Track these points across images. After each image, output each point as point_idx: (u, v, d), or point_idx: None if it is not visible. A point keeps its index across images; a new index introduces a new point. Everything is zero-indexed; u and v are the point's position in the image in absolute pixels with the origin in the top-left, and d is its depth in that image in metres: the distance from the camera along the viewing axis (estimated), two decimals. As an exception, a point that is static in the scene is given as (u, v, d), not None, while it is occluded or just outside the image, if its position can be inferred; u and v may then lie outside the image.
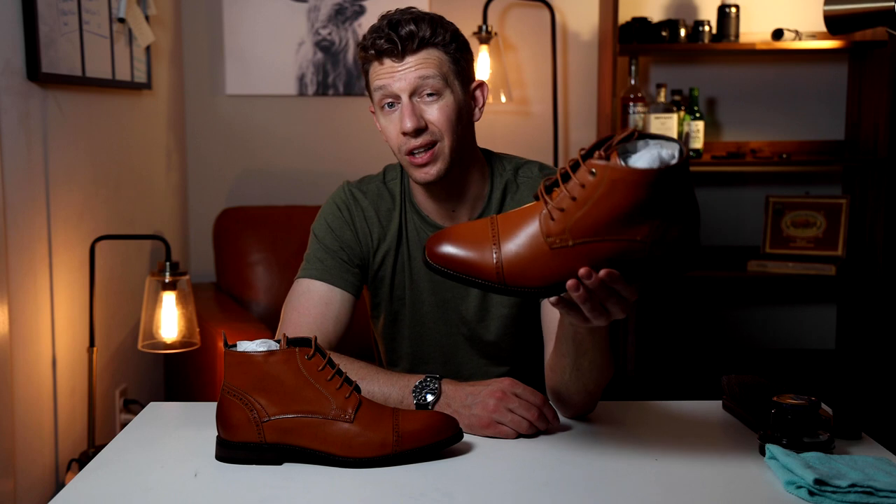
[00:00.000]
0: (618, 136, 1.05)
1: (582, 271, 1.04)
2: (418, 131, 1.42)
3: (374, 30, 1.43)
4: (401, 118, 1.43)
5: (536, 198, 1.09)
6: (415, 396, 1.33)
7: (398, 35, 1.40)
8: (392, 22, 1.42)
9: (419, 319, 1.58)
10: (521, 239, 1.07)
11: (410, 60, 1.41)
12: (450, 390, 1.33)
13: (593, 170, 1.02)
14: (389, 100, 1.44)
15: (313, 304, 1.50)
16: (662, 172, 1.00)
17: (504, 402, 1.29)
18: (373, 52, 1.43)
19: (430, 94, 1.42)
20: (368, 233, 1.55)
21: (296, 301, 1.52)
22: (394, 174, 1.60)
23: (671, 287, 3.38)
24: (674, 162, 1.02)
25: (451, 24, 1.47)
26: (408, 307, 1.58)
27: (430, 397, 1.32)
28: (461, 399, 1.31)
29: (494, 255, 1.08)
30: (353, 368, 1.38)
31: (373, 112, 1.51)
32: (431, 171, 1.44)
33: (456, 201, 1.53)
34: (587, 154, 1.05)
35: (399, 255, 1.56)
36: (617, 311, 1.10)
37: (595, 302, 1.08)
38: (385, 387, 1.36)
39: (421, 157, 1.43)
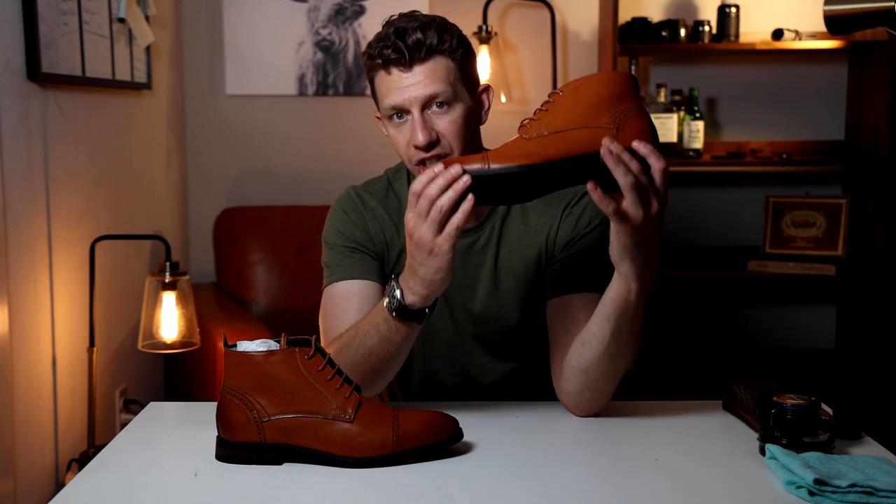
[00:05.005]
0: None
1: (605, 140, 1.17)
2: (431, 145, 1.42)
3: (381, 38, 1.42)
4: (412, 131, 1.42)
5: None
6: (388, 304, 1.30)
7: (405, 44, 1.39)
8: (398, 30, 1.40)
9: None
10: (504, 146, 1.22)
11: (418, 70, 1.40)
12: (405, 271, 1.30)
13: (560, 90, 1.23)
14: (398, 111, 1.43)
15: (349, 302, 1.49)
16: (620, 75, 1.22)
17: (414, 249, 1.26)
18: (380, 61, 1.41)
19: (440, 105, 1.42)
20: (380, 230, 1.55)
21: (330, 308, 1.51)
22: (399, 176, 1.60)
23: (672, 287, 3.38)
24: (628, 72, 1.26)
25: (455, 27, 1.46)
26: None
27: (397, 293, 1.29)
28: (409, 265, 1.28)
29: (482, 165, 1.21)
30: (355, 326, 1.38)
31: (378, 118, 1.50)
32: None
33: None
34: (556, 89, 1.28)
35: None
36: (651, 193, 1.17)
37: (632, 179, 1.16)
38: (371, 320, 1.35)
39: None
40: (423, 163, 1.43)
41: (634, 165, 1.16)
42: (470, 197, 1.20)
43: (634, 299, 1.27)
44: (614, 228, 1.21)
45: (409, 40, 1.39)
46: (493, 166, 1.19)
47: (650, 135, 1.20)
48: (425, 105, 1.41)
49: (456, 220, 1.21)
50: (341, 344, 1.37)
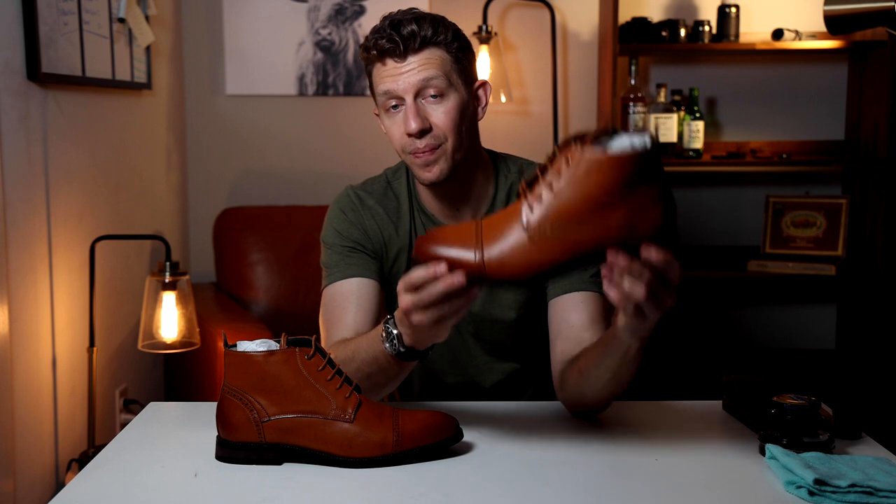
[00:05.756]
0: (593, 131, 1.09)
1: (609, 255, 1.07)
2: (423, 132, 1.42)
3: (376, 30, 1.43)
4: (405, 119, 1.42)
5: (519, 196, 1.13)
6: (389, 347, 1.27)
7: (400, 35, 1.40)
8: (394, 22, 1.42)
9: None
10: (503, 235, 1.10)
11: (413, 60, 1.41)
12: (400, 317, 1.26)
13: (568, 159, 1.07)
14: (394, 101, 1.44)
15: (348, 302, 1.49)
16: (634, 156, 1.05)
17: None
18: (375, 52, 1.43)
19: (433, 95, 1.42)
20: (378, 229, 1.55)
21: (330, 308, 1.51)
22: (398, 175, 1.60)
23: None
24: (646, 147, 1.06)
25: (453, 23, 1.47)
26: None
27: (395, 333, 1.26)
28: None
29: (476, 255, 1.10)
30: (352, 345, 1.36)
31: (377, 115, 1.50)
32: (434, 170, 1.44)
33: (460, 201, 1.53)
34: (563, 146, 1.09)
35: (411, 253, 1.55)
36: (665, 295, 1.09)
37: (644, 292, 1.07)
38: (369, 347, 1.32)
39: (424, 156, 1.43)
40: (419, 155, 1.43)
41: (646, 277, 1.06)
42: (469, 302, 1.15)
43: (633, 353, 1.24)
44: (624, 321, 1.15)
45: (404, 31, 1.40)
46: (491, 264, 1.09)
47: (666, 229, 1.08)
48: (419, 93, 1.42)
49: (458, 317, 1.16)
50: (339, 360, 1.35)
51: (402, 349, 1.25)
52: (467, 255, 1.10)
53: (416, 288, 1.13)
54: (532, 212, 1.09)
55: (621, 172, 1.05)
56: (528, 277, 1.10)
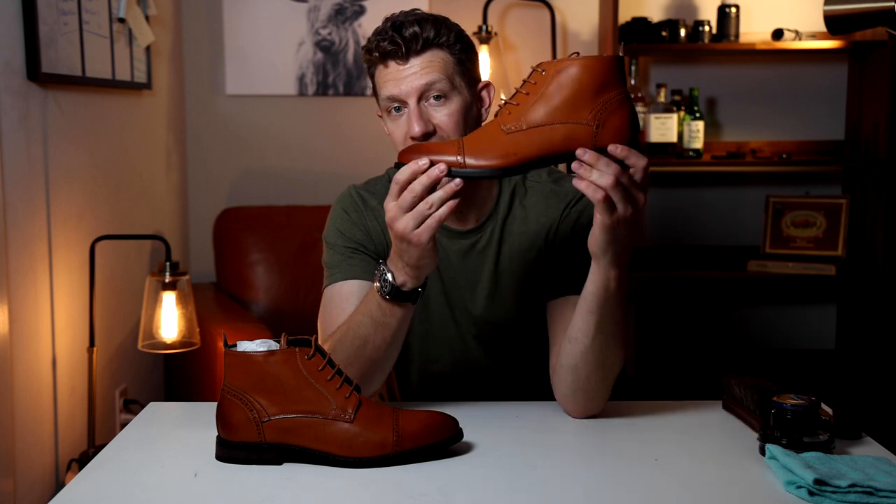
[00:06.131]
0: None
1: (579, 151, 1.19)
2: (426, 135, 1.41)
3: (378, 32, 1.43)
4: (408, 122, 1.42)
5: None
6: (380, 288, 1.32)
7: (402, 37, 1.40)
8: (396, 24, 1.41)
9: (427, 318, 1.57)
10: (482, 138, 1.23)
11: (415, 62, 1.41)
12: (391, 255, 1.32)
13: (543, 69, 1.21)
14: (396, 104, 1.43)
15: (348, 303, 1.49)
16: (605, 60, 1.21)
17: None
18: (377, 54, 1.42)
19: (437, 97, 1.42)
20: (380, 230, 1.55)
21: (329, 308, 1.51)
22: None
23: (671, 287, 3.38)
24: (614, 56, 1.22)
25: (456, 24, 1.46)
26: (417, 306, 1.57)
27: (388, 276, 1.31)
28: (395, 250, 1.31)
29: (458, 159, 1.23)
30: (346, 320, 1.40)
31: (380, 116, 1.50)
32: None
33: (463, 203, 1.52)
34: (539, 64, 1.23)
35: None
36: (633, 188, 1.19)
37: (611, 181, 1.17)
38: (364, 308, 1.36)
39: None
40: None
41: (612, 169, 1.17)
42: (453, 202, 1.23)
43: (615, 285, 1.28)
44: (598, 219, 1.22)
45: (406, 33, 1.40)
46: (470, 162, 1.21)
47: (630, 129, 1.20)
48: (422, 96, 1.41)
49: (438, 216, 1.23)
50: (335, 340, 1.38)
51: (394, 284, 1.30)
52: (449, 157, 1.23)
53: (401, 189, 1.22)
54: (509, 113, 1.22)
55: (592, 73, 1.19)
56: (502, 168, 1.21)
